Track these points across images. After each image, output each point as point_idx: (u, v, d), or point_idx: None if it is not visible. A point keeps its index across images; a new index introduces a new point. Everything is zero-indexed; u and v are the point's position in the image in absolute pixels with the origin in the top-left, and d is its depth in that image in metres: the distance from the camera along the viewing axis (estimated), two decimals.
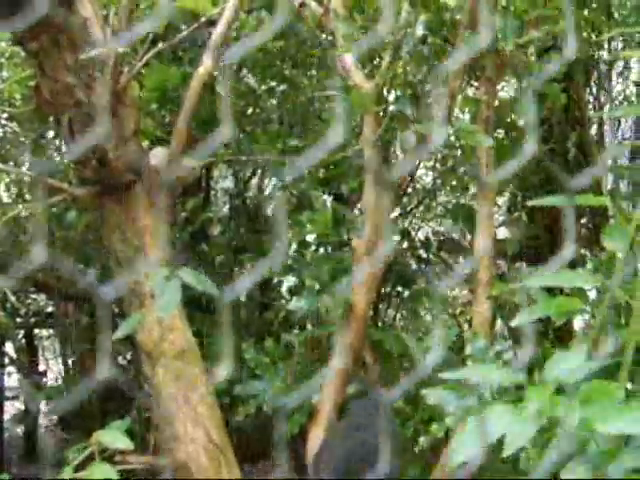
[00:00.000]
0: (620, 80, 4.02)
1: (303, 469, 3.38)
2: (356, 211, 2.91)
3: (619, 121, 3.94)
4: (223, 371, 1.01)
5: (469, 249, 3.23)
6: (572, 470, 1.36)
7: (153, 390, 1.89)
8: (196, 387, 1.89)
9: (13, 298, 3.67)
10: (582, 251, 3.30)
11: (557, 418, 1.28)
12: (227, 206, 3.41)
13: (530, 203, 1.78)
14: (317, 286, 2.46)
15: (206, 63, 2.04)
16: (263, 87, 3.10)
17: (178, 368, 1.89)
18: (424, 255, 3.09)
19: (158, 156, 2.00)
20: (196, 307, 2.71)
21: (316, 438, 2.19)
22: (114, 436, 1.59)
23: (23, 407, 5.60)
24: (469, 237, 3.37)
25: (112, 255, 1.98)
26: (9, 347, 5.11)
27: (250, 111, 3.08)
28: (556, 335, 2.77)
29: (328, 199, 2.57)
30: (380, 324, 2.73)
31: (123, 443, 1.56)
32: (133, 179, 1.94)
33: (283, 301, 2.94)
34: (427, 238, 3.16)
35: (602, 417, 1.21)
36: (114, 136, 1.87)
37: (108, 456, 1.65)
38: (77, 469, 1.61)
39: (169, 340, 1.90)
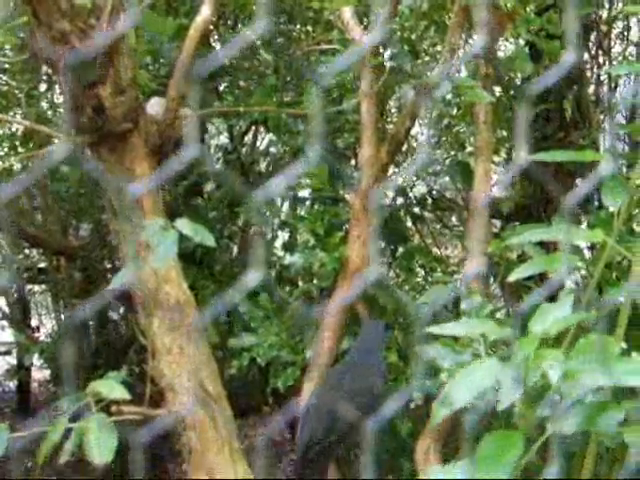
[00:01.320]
0: (619, 41, 3.98)
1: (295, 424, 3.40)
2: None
3: (617, 82, 3.91)
4: (253, 278, 1.00)
5: (462, 207, 3.23)
6: (560, 422, 1.37)
7: (148, 341, 1.89)
8: (192, 338, 1.89)
9: (7, 251, 3.65)
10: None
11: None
12: (221, 161, 3.38)
13: (528, 158, 1.77)
14: (312, 241, 2.46)
15: (204, 13, 2.01)
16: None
17: (173, 319, 1.89)
18: (419, 212, 3.08)
19: (155, 106, 1.98)
20: (190, 261, 2.70)
21: (309, 392, 2.21)
22: (111, 386, 1.59)
23: (16, 362, 5.62)
24: (463, 195, 3.36)
25: (107, 205, 1.97)
26: (2, 302, 5.11)
27: (246, 65, 3.04)
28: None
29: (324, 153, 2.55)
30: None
31: (120, 393, 1.56)
32: (129, 128, 1.92)
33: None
34: (423, 195, 3.16)
35: (586, 369, 1.21)
36: (110, 84, 1.85)
37: (102, 407, 1.65)
38: (71, 420, 1.62)
39: (165, 291, 1.90)
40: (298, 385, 2.29)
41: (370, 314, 2.37)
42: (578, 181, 3.62)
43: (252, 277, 0.99)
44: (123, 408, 1.75)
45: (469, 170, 2.81)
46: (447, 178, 3.61)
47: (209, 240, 1.56)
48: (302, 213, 2.52)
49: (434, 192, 3.26)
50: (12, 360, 5.75)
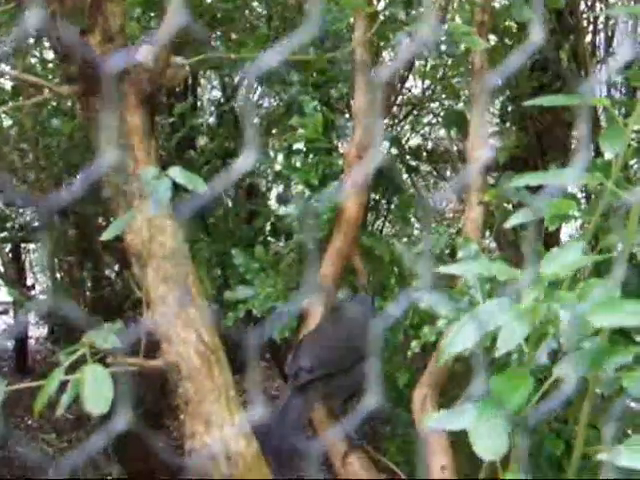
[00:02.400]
0: None
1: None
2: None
3: (613, 31, 3.87)
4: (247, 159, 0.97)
5: (458, 158, 3.21)
6: (565, 366, 1.37)
7: (143, 292, 1.88)
8: (187, 288, 1.87)
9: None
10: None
11: (552, 314, 1.28)
12: (214, 115, 3.35)
13: (525, 103, 1.75)
14: (306, 192, 2.45)
15: None
16: None
17: (168, 269, 1.87)
18: (414, 164, 3.06)
19: (145, 54, 1.94)
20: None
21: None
22: (105, 336, 1.59)
23: (12, 321, 5.63)
24: (459, 147, 3.34)
25: (99, 156, 1.94)
26: None
27: (237, 16, 3.00)
28: (546, 245, 2.77)
29: (318, 104, 2.52)
30: (370, 231, 2.72)
31: (114, 343, 1.56)
32: (119, 77, 1.89)
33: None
34: (417, 146, 3.14)
35: (597, 310, 1.20)
36: (99, 32, 1.82)
37: (99, 359, 1.65)
38: (67, 372, 1.62)
39: (159, 241, 1.87)
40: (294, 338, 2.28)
41: (366, 265, 2.37)
42: (575, 133, 3.60)
43: (246, 159, 0.95)
44: (119, 359, 1.75)
45: (464, 119, 2.79)
46: (442, 131, 3.59)
47: (201, 187, 1.55)
48: (297, 164, 2.49)
49: (429, 143, 3.23)
50: (9, 320, 5.76)
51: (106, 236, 1.66)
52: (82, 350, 1.60)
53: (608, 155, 1.69)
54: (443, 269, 1.35)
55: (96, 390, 1.50)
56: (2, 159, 3.65)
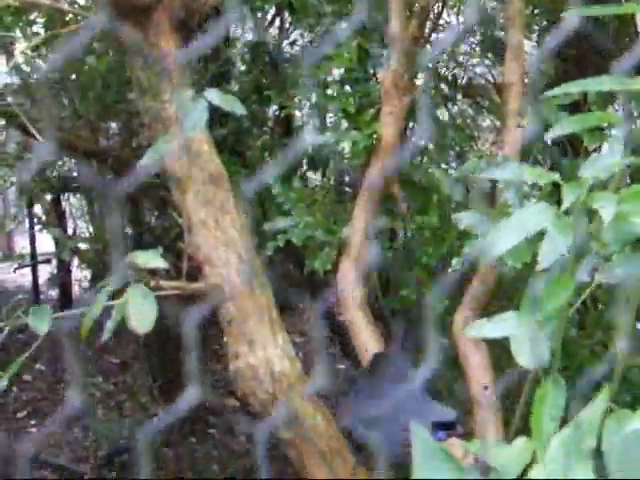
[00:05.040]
0: None
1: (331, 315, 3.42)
2: None
3: None
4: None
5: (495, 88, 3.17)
6: (607, 271, 1.35)
7: (184, 217, 1.89)
8: (227, 211, 1.88)
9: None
10: None
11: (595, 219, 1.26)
12: (248, 55, 3.33)
13: (564, 14, 1.71)
14: (344, 123, 2.43)
15: None
16: None
17: (208, 193, 1.88)
18: (450, 93, 3.02)
19: None
20: (221, 147, 2.68)
21: (346, 270, 2.20)
22: (148, 257, 1.60)
23: (55, 271, 5.73)
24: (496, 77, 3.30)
25: (135, 84, 1.95)
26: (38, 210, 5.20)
27: None
28: None
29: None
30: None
31: (158, 262, 1.57)
32: (153, 2, 1.88)
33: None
34: (454, 76, 3.09)
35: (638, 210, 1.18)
36: None
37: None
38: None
39: (197, 165, 1.89)
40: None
41: (404, 192, 2.36)
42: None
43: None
44: (162, 283, 1.76)
45: (502, 46, 2.74)
46: (478, 69, 3.54)
47: (239, 109, 1.54)
48: (333, 94, 2.47)
49: (465, 72, 3.19)
50: (52, 269, 5.87)
51: (145, 161, 1.67)
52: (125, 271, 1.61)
53: None
54: (488, 174, 1.33)
55: (141, 308, 1.52)
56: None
